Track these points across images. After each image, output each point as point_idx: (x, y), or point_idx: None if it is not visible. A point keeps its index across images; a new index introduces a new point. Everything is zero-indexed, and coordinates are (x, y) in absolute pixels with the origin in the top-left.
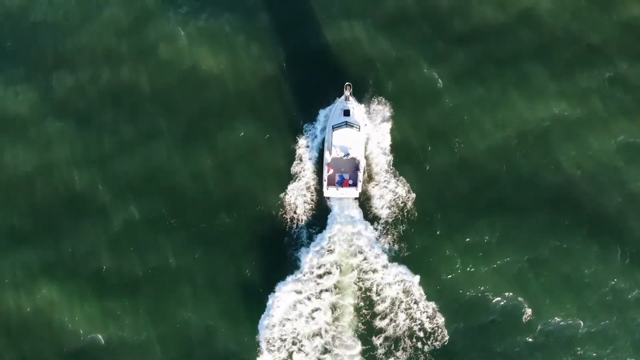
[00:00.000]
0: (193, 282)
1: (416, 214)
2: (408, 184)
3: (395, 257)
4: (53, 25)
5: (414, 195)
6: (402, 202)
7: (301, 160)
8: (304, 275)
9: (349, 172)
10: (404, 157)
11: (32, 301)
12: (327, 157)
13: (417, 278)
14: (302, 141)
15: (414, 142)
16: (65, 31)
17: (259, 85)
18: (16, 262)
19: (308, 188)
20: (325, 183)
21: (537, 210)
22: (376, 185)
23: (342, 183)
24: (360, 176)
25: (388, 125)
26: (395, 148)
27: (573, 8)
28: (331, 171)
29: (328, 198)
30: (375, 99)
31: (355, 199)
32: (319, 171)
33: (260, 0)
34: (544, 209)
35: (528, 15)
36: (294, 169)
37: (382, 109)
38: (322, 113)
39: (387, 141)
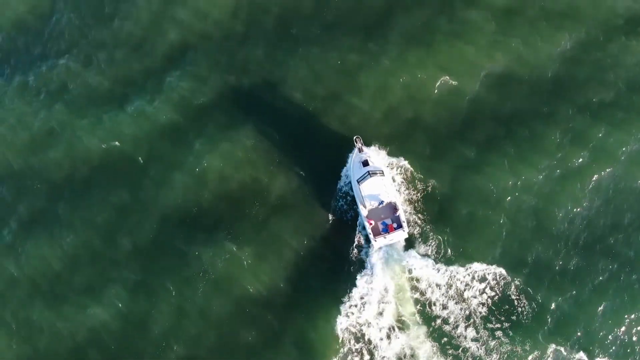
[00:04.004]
0: None
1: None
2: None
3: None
4: None
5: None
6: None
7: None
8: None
9: (390, 217)
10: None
11: None
12: (364, 211)
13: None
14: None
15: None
16: None
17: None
18: None
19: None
20: (371, 236)
21: None
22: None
23: (387, 230)
24: (402, 216)
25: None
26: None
27: None
28: (372, 222)
29: (380, 248)
30: None
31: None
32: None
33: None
34: None
35: None
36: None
37: None
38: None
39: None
